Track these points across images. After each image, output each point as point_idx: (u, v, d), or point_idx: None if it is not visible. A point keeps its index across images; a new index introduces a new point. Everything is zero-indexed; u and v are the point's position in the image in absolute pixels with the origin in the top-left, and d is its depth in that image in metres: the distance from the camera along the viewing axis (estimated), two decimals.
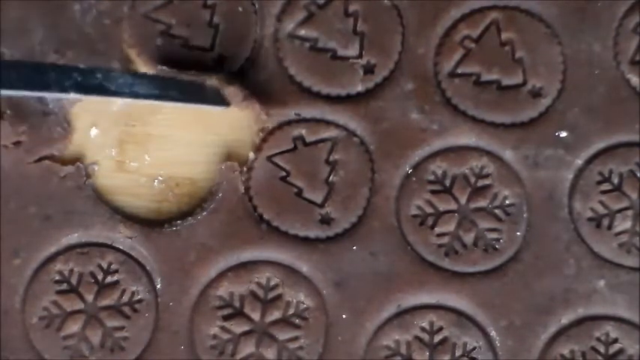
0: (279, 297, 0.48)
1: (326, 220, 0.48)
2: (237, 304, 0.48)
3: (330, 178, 0.49)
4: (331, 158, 0.49)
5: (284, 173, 0.48)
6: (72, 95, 0.44)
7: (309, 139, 0.49)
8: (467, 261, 0.49)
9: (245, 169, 0.48)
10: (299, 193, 0.48)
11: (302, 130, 0.49)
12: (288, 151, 0.49)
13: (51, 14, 0.46)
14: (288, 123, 0.49)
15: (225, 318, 0.48)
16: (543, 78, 0.50)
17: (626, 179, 0.49)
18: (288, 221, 0.48)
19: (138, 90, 0.46)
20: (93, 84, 0.45)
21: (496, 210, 0.49)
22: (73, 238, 0.48)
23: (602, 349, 0.48)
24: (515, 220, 0.49)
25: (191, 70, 0.48)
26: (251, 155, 0.49)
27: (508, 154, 0.49)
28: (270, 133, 0.49)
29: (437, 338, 0.48)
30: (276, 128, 0.49)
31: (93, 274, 0.48)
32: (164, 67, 0.48)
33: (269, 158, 0.49)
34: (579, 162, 0.49)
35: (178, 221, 0.48)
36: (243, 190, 0.48)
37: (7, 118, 0.48)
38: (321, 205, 0.48)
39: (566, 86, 0.50)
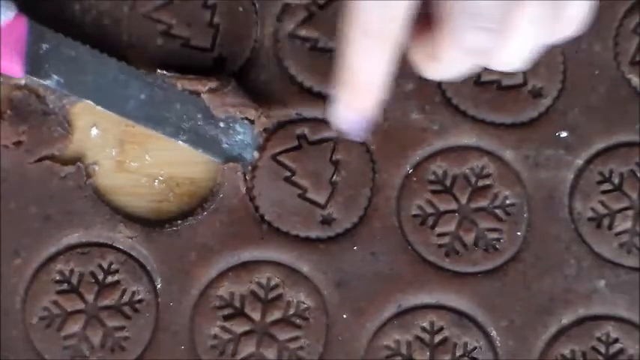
0: (279, 297, 0.48)
1: (327, 221, 0.48)
2: (237, 304, 0.48)
3: (334, 177, 0.49)
4: (334, 158, 0.49)
5: (289, 173, 0.48)
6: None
7: (312, 137, 0.49)
8: (467, 261, 0.49)
9: (250, 167, 0.48)
10: (303, 193, 0.48)
11: (305, 129, 0.49)
12: (293, 149, 0.49)
13: (51, 14, 0.46)
14: (291, 122, 0.49)
15: (226, 318, 0.48)
16: (543, 78, 0.50)
17: (626, 179, 0.49)
18: (290, 222, 0.48)
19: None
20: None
21: (496, 210, 0.49)
22: (73, 238, 0.48)
23: (602, 349, 0.48)
24: (515, 220, 0.49)
25: (191, 72, 0.49)
26: (255, 154, 0.48)
27: (508, 154, 0.49)
28: (273, 133, 0.49)
29: (437, 338, 0.48)
30: (279, 128, 0.49)
31: (93, 274, 0.48)
32: (164, 72, 0.48)
33: (274, 157, 0.49)
34: (579, 162, 0.50)
35: (179, 221, 0.48)
36: (244, 191, 0.48)
37: (7, 118, 0.48)
38: (324, 206, 0.48)
39: (566, 86, 0.50)
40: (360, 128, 0.42)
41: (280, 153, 0.49)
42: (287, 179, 0.49)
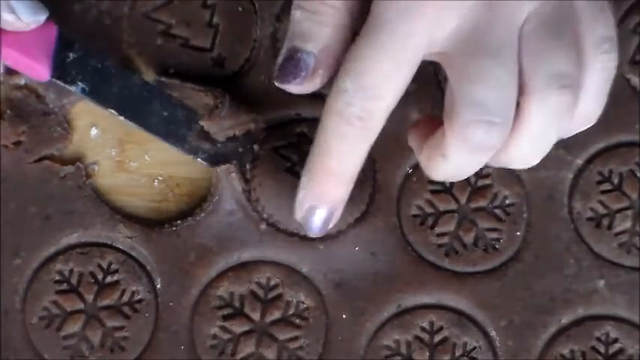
0: (279, 297, 0.48)
1: None
2: (237, 304, 0.48)
3: None
4: None
5: (289, 164, 0.48)
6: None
7: (312, 135, 0.49)
8: (467, 261, 0.49)
9: (251, 158, 0.48)
10: None
11: (304, 129, 0.49)
12: (292, 144, 0.49)
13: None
14: (290, 122, 0.49)
15: (225, 318, 0.48)
16: None
17: (626, 179, 0.49)
18: (290, 215, 0.48)
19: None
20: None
21: (496, 210, 0.49)
22: (73, 238, 0.48)
23: (602, 349, 0.48)
24: (515, 220, 0.49)
25: (190, 75, 0.49)
26: (255, 147, 0.48)
27: None
28: (273, 130, 0.49)
29: (437, 338, 0.48)
30: (278, 126, 0.49)
31: (93, 274, 0.48)
32: (162, 78, 0.48)
33: (275, 149, 0.48)
34: (579, 162, 0.49)
35: (178, 221, 0.48)
36: (241, 191, 0.48)
37: (7, 118, 0.48)
38: None
39: None
40: (320, 221, 0.42)
41: (281, 147, 0.49)
42: (288, 170, 0.48)
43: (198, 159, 0.47)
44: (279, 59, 0.41)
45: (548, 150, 0.40)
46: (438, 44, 0.39)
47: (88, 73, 0.46)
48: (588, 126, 0.42)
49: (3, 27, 0.43)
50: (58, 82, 0.46)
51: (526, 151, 0.39)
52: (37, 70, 0.45)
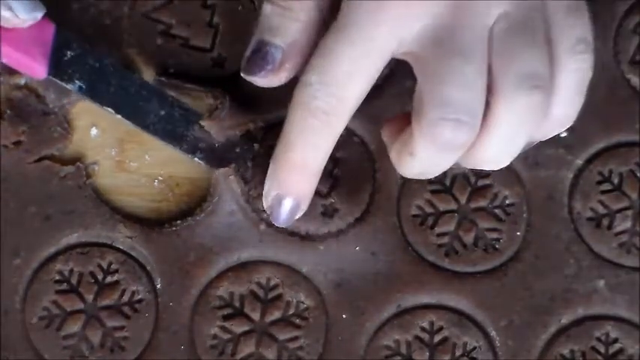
0: (279, 297, 0.48)
1: (329, 213, 0.48)
2: (237, 304, 0.48)
3: (335, 171, 0.49)
4: (334, 156, 0.49)
5: None
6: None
7: None
8: (467, 261, 0.49)
9: (250, 157, 0.48)
10: None
11: None
12: None
13: (51, 14, 0.46)
14: None
15: (225, 318, 0.48)
16: None
17: (626, 179, 0.49)
18: None
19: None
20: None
21: (496, 210, 0.49)
22: (73, 238, 0.48)
23: (602, 349, 0.48)
24: (515, 220, 0.49)
25: (190, 75, 0.49)
26: (255, 147, 0.48)
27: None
28: (272, 130, 0.49)
29: (437, 338, 0.48)
30: (278, 126, 0.49)
31: (93, 274, 0.48)
32: (162, 79, 0.48)
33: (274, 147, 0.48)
34: (579, 162, 0.49)
35: (178, 221, 0.48)
36: (241, 191, 0.48)
37: (7, 118, 0.48)
38: (326, 196, 0.48)
39: None
40: (286, 211, 0.42)
41: None
42: None
43: (196, 159, 0.47)
44: (247, 51, 0.42)
45: (517, 152, 0.40)
46: (405, 44, 0.39)
47: (86, 72, 0.46)
48: (563, 129, 0.41)
49: (0, 24, 0.43)
50: (55, 79, 0.46)
51: (495, 151, 0.39)
52: (34, 67, 0.45)
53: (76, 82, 0.46)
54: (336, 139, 0.41)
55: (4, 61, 0.45)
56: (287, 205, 0.43)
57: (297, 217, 0.44)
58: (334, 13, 0.40)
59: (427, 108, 0.38)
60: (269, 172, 0.43)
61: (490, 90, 0.38)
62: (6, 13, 0.43)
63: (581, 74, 0.40)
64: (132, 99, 0.47)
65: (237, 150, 0.48)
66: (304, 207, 0.43)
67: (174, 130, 0.47)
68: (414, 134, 0.39)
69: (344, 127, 0.40)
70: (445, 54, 0.38)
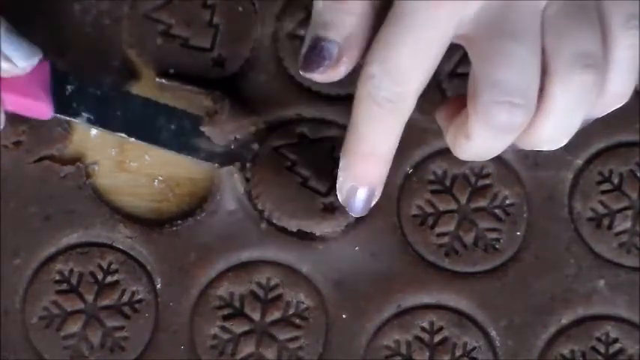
0: (279, 297, 0.48)
1: (329, 210, 0.48)
2: (237, 304, 0.48)
3: (335, 171, 0.48)
4: (335, 155, 0.49)
5: (289, 163, 0.48)
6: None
7: (313, 136, 0.49)
8: (467, 261, 0.49)
9: (251, 158, 0.48)
10: (304, 182, 0.48)
11: (304, 129, 0.49)
12: (292, 144, 0.49)
13: (51, 14, 0.46)
14: (290, 122, 0.49)
15: (225, 318, 0.48)
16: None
17: (626, 179, 0.49)
18: (289, 211, 0.48)
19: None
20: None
21: (496, 210, 0.49)
22: (73, 238, 0.48)
23: (602, 349, 0.48)
24: (515, 220, 0.49)
25: (190, 75, 0.49)
26: (255, 147, 0.48)
27: (508, 154, 0.49)
28: (273, 130, 0.49)
29: (437, 338, 0.48)
30: (278, 126, 0.49)
31: (93, 274, 0.48)
32: (163, 80, 0.49)
33: (275, 149, 0.48)
34: (579, 162, 0.50)
35: (178, 221, 0.48)
36: (242, 191, 0.48)
37: (7, 118, 0.48)
38: (326, 194, 0.48)
39: None
40: (361, 201, 0.42)
41: (281, 147, 0.49)
42: (288, 168, 0.48)
43: (204, 161, 0.48)
44: (303, 49, 0.42)
45: (575, 130, 0.40)
46: (462, 26, 0.39)
47: (90, 102, 0.47)
48: (620, 105, 0.41)
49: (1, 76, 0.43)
50: (62, 116, 0.46)
51: (552, 131, 0.39)
52: (39, 108, 0.45)
53: (83, 114, 0.46)
54: (405, 122, 0.40)
55: (9, 109, 0.45)
56: (362, 194, 0.43)
57: (372, 204, 0.44)
58: (388, 3, 0.40)
59: (481, 90, 0.38)
60: (340, 165, 0.43)
61: (544, 71, 0.38)
62: (5, 65, 0.42)
63: (635, 50, 0.40)
64: (140, 119, 0.47)
65: (240, 151, 0.48)
66: (379, 193, 0.43)
67: (187, 140, 0.48)
68: (470, 117, 0.39)
69: (412, 110, 0.40)
70: (499, 36, 0.38)
